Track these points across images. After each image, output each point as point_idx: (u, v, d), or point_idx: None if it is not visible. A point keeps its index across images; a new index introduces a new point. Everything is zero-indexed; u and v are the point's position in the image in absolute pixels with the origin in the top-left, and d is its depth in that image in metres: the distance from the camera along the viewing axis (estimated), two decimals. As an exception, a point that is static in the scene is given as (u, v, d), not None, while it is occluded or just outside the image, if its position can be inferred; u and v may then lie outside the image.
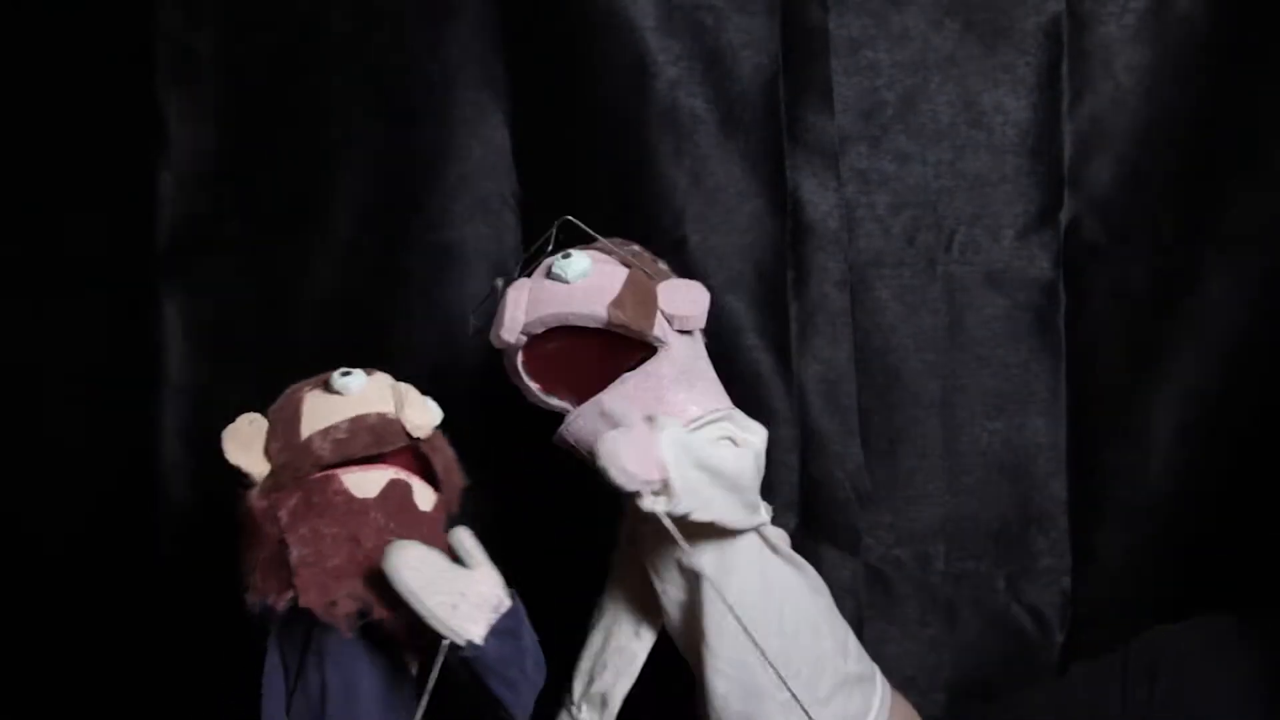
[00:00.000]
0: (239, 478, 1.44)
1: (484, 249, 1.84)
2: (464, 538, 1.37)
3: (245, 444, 1.45)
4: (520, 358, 1.54)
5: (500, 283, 1.56)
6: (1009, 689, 1.85)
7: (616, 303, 1.48)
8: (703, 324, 1.55)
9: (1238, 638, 1.67)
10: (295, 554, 1.37)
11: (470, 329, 1.62)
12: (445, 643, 1.32)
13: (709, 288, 1.77)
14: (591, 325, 1.49)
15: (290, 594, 1.37)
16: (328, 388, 1.47)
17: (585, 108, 1.83)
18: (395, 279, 1.83)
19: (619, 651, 1.62)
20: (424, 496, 1.47)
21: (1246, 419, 1.82)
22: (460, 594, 1.33)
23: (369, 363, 1.78)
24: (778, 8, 1.82)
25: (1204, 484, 1.83)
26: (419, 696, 1.38)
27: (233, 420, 1.71)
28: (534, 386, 1.56)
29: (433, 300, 1.82)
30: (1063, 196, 1.85)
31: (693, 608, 1.52)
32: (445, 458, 1.49)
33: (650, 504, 1.37)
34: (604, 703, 1.61)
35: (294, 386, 1.51)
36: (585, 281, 1.50)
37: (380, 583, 1.34)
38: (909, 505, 1.85)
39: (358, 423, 1.44)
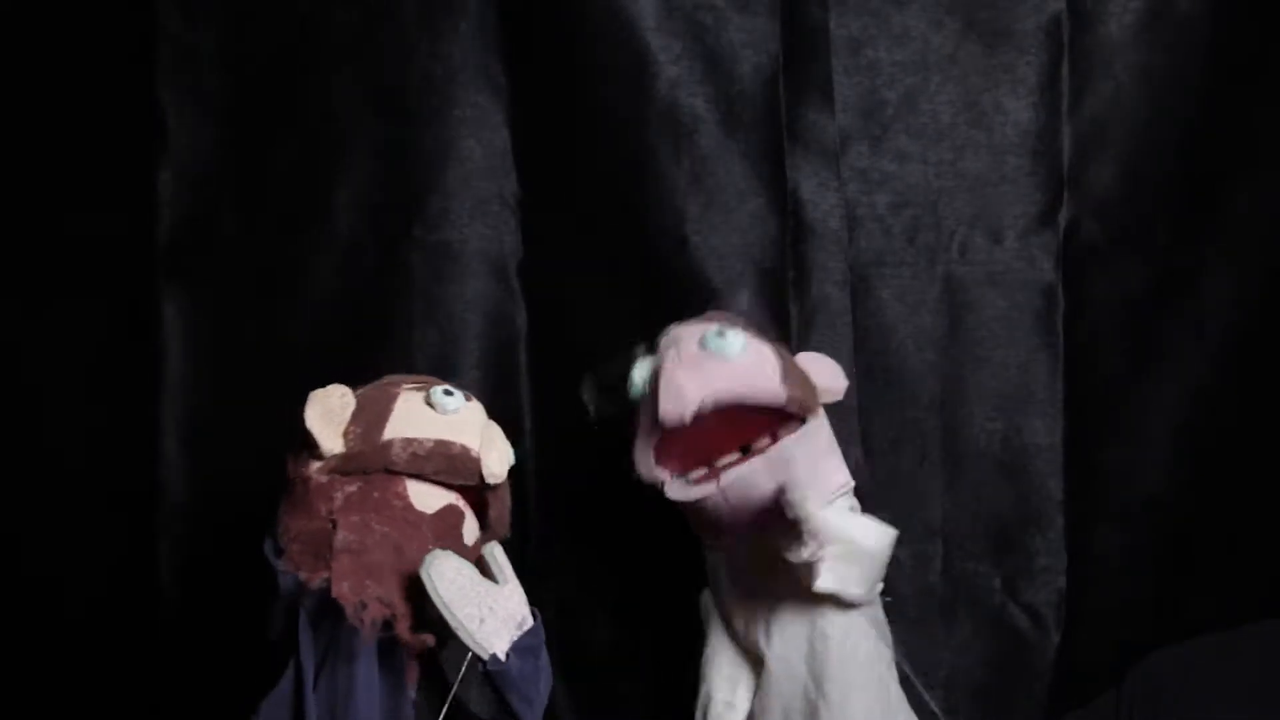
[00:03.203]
0: (304, 443, 1.44)
1: (484, 249, 1.84)
2: (497, 553, 1.41)
3: (328, 415, 1.45)
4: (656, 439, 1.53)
5: (641, 349, 1.56)
6: (1006, 688, 1.85)
7: (787, 381, 1.52)
8: (840, 397, 1.61)
9: (1239, 654, 1.67)
10: (340, 538, 1.39)
11: (592, 387, 1.63)
12: (469, 655, 1.35)
13: (710, 288, 1.79)
14: (767, 404, 1.52)
15: (325, 574, 1.38)
16: (427, 399, 1.48)
17: (585, 108, 1.82)
18: (395, 279, 1.83)
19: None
20: (470, 529, 1.50)
21: (1244, 419, 1.82)
22: (489, 609, 1.36)
23: (368, 363, 1.80)
24: (778, 7, 1.82)
25: (1201, 484, 1.83)
26: (417, 709, 1.41)
27: (236, 421, 1.73)
28: (650, 458, 1.55)
29: (433, 300, 1.82)
30: (1063, 197, 1.85)
31: (814, 680, 1.53)
32: (502, 507, 1.52)
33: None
34: None
35: (391, 379, 1.52)
36: (743, 358, 1.52)
37: (410, 596, 1.36)
38: (908, 505, 1.84)
39: (442, 447, 1.46)
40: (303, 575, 1.40)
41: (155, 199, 1.84)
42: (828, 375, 1.61)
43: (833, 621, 1.53)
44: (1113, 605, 1.85)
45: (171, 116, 1.84)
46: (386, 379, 1.51)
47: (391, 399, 1.47)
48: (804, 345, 1.82)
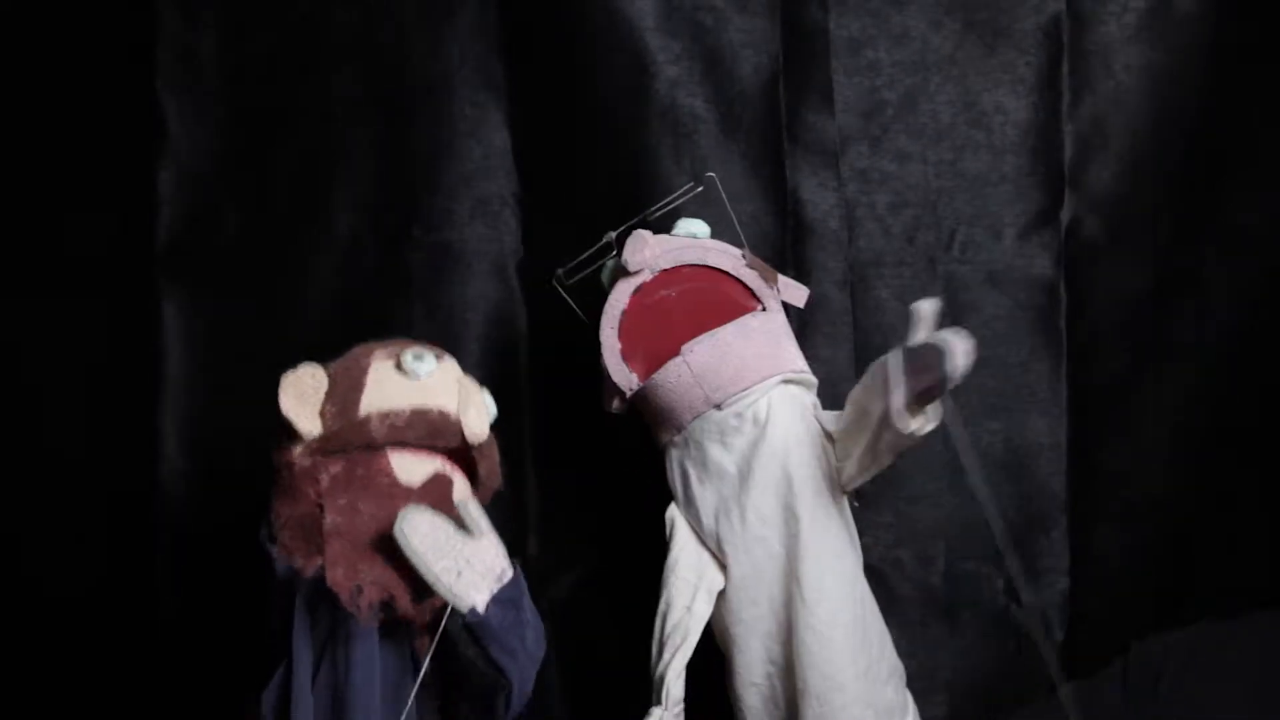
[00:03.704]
0: (284, 428, 1.43)
1: (484, 249, 1.84)
2: (471, 507, 1.40)
3: (303, 397, 1.44)
4: (624, 304, 1.61)
5: (613, 236, 1.65)
6: (1008, 689, 1.84)
7: (746, 259, 1.64)
8: (801, 304, 1.69)
9: (1238, 640, 1.67)
10: (329, 522, 1.39)
11: (565, 279, 1.67)
12: (449, 609, 1.35)
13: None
14: (727, 268, 1.62)
15: (319, 560, 1.38)
16: (398, 366, 1.46)
17: (585, 108, 1.83)
18: (395, 279, 1.83)
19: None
20: (461, 491, 1.48)
21: (1246, 419, 1.83)
22: (466, 561, 1.36)
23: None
24: (778, 8, 1.82)
25: (1203, 484, 1.83)
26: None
27: (235, 420, 1.72)
28: (618, 345, 1.62)
29: (434, 300, 1.82)
30: (1063, 196, 1.85)
31: (789, 562, 1.56)
32: (491, 463, 1.50)
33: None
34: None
35: (362, 348, 1.50)
36: (712, 240, 1.65)
37: (406, 570, 1.35)
38: (909, 505, 1.84)
39: (419, 415, 1.44)
40: (297, 562, 1.39)
41: (155, 199, 1.84)
42: (791, 290, 1.68)
43: (805, 501, 1.57)
44: (1115, 605, 1.84)
45: (172, 116, 1.84)
46: (357, 348, 1.49)
47: (363, 371, 1.46)
48: (804, 345, 1.81)
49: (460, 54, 1.82)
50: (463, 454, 1.48)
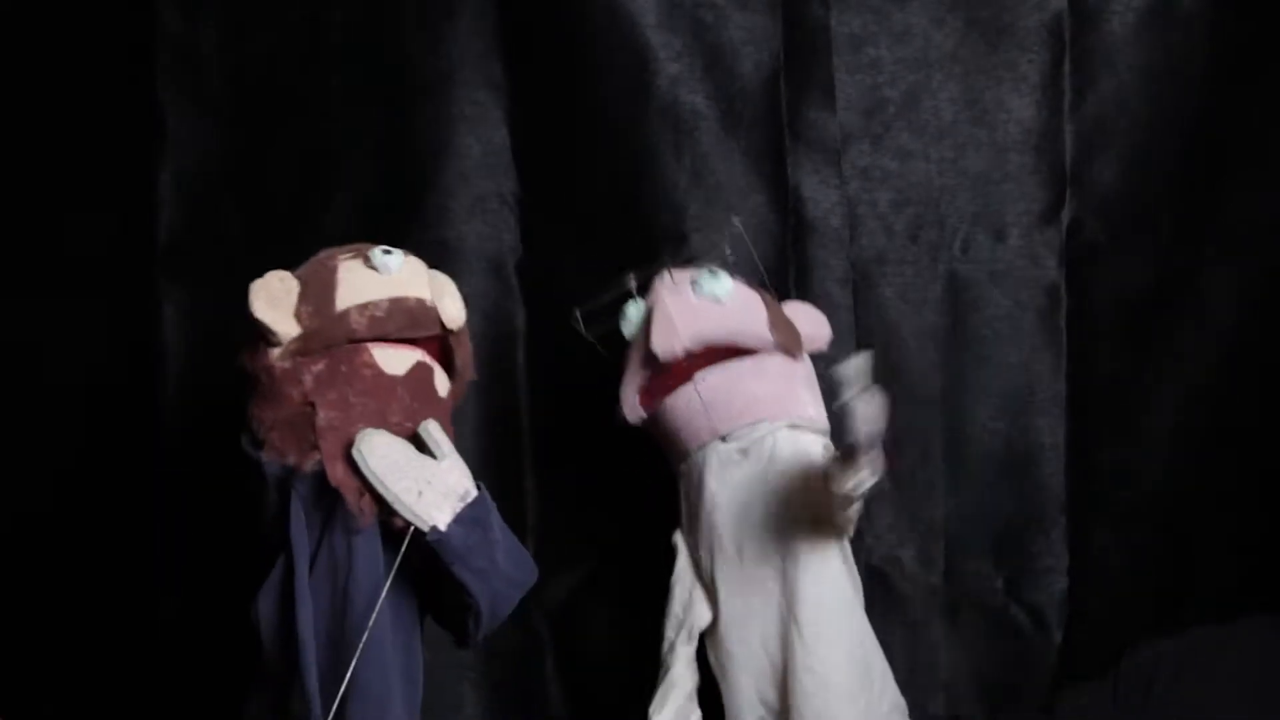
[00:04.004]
0: (258, 334, 1.44)
1: (483, 247, 1.84)
2: (433, 429, 1.40)
3: (274, 301, 1.44)
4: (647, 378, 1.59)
5: (632, 283, 1.61)
6: (1008, 688, 1.84)
7: (773, 326, 1.58)
8: (824, 347, 1.66)
9: (1230, 647, 1.66)
10: (323, 418, 1.39)
11: (581, 324, 1.63)
12: (411, 528, 1.36)
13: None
14: (754, 346, 1.57)
15: (315, 456, 1.39)
16: (366, 263, 1.46)
17: (585, 106, 1.82)
18: (395, 277, 1.82)
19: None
20: (440, 382, 1.49)
21: (1246, 419, 1.82)
22: (426, 481, 1.37)
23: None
24: (779, 5, 1.82)
25: (1203, 484, 1.82)
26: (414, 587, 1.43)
27: (235, 420, 1.72)
28: (635, 398, 1.61)
29: (431, 299, 1.82)
30: (1065, 195, 1.85)
31: (786, 603, 1.54)
32: (466, 351, 1.52)
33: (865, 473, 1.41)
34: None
35: (324, 253, 1.51)
36: (733, 301, 1.59)
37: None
38: (910, 505, 1.84)
39: (397, 304, 1.45)
40: (291, 460, 1.40)
41: (155, 198, 1.84)
42: (812, 323, 1.65)
43: (803, 544, 1.54)
44: (1114, 605, 1.84)
45: (171, 116, 1.84)
46: (320, 254, 1.50)
47: (332, 271, 1.46)
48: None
49: (459, 52, 1.82)
50: (437, 346, 1.49)
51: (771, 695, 1.55)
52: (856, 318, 1.85)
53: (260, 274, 1.82)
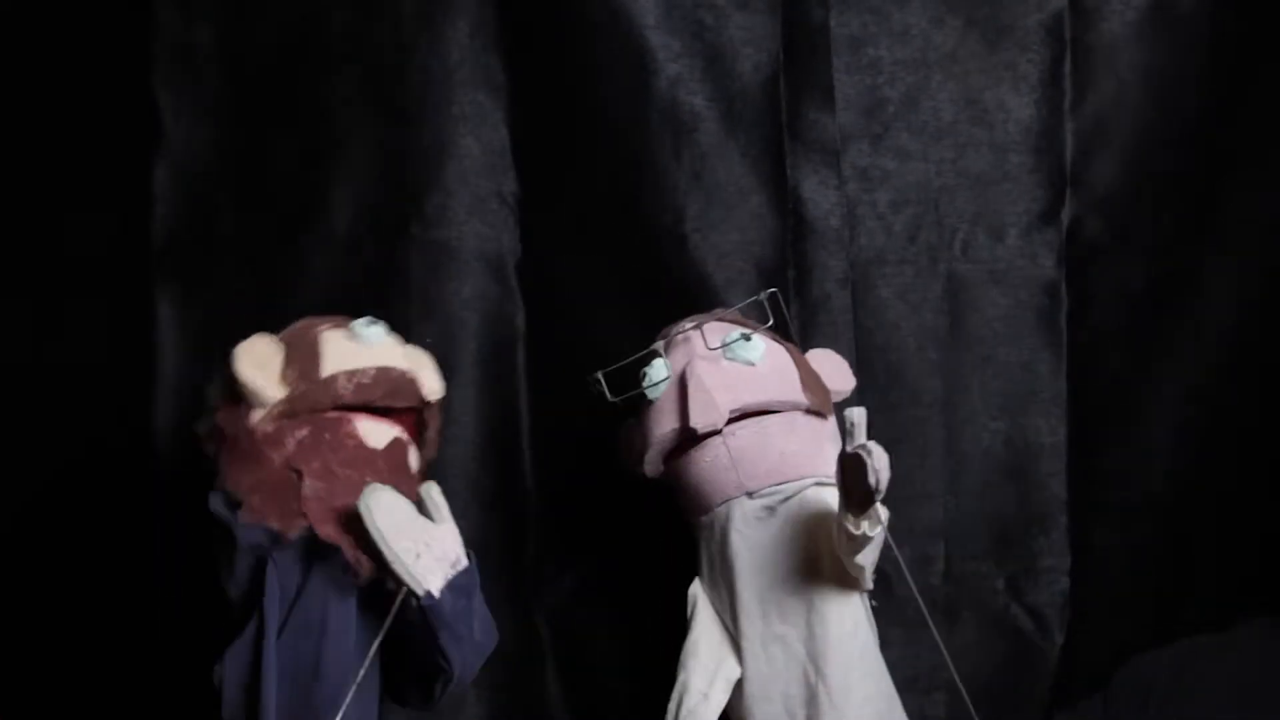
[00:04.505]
0: (241, 396, 1.44)
1: (483, 247, 1.83)
2: (434, 493, 1.41)
3: (260, 363, 1.46)
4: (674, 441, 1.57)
5: (661, 347, 1.59)
6: (1009, 690, 1.84)
7: (805, 388, 1.57)
8: (847, 395, 1.64)
9: (1226, 655, 1.66)
10: (308, 486, 1.40)
11: (600, 387, 1.60)
12: (404, 589, 1.36)
13: (709, 287, 1.79)
14: (788, 409, 1.56)
15: (301, 523, 1.39)
16: (349, 333, 1.48)
17: (585, 106, 1.82)
18: (394, 277, 1.82)
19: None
20: (414, 459, 1.50)
21: (1247, 419, 1.82)
22: (425, 544, 1.37)
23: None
24: (778, 5, 1.82)
25: (1204, 484, 1.82)
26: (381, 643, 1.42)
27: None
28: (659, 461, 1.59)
29: (431, 299, 1.82)
30: (1065, 194, 1.85)
31: (811, 661, 1.53)
32: (436, 426, 1.53)
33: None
34: None
35: (304, 322, 1.52)
36: (765, 364, 1.57)
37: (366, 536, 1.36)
38: (910, 505, 1.83)
39: (384, 373, 1.46)
40: (274, 525, 1.40)
41: (152, 197, 1.83)
42: (838, 377, 1.64)
43: (829, 602, 1.53)
44: (1115, 605, 1.84)
45: (169, 115, 1.83)
46: (301, 322, 1.52)
47: (316, 338, 1.48)
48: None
49: (459, 52, 1.81)
50: (411, 421, 1.50)
51: None
52: (856, 318, 1.84)
53: (258, 274, 1.84)
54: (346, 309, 1.80)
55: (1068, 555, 1.84)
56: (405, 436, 1.49)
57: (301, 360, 1.46)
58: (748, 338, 1.56)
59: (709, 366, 1.55)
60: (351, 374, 1.45)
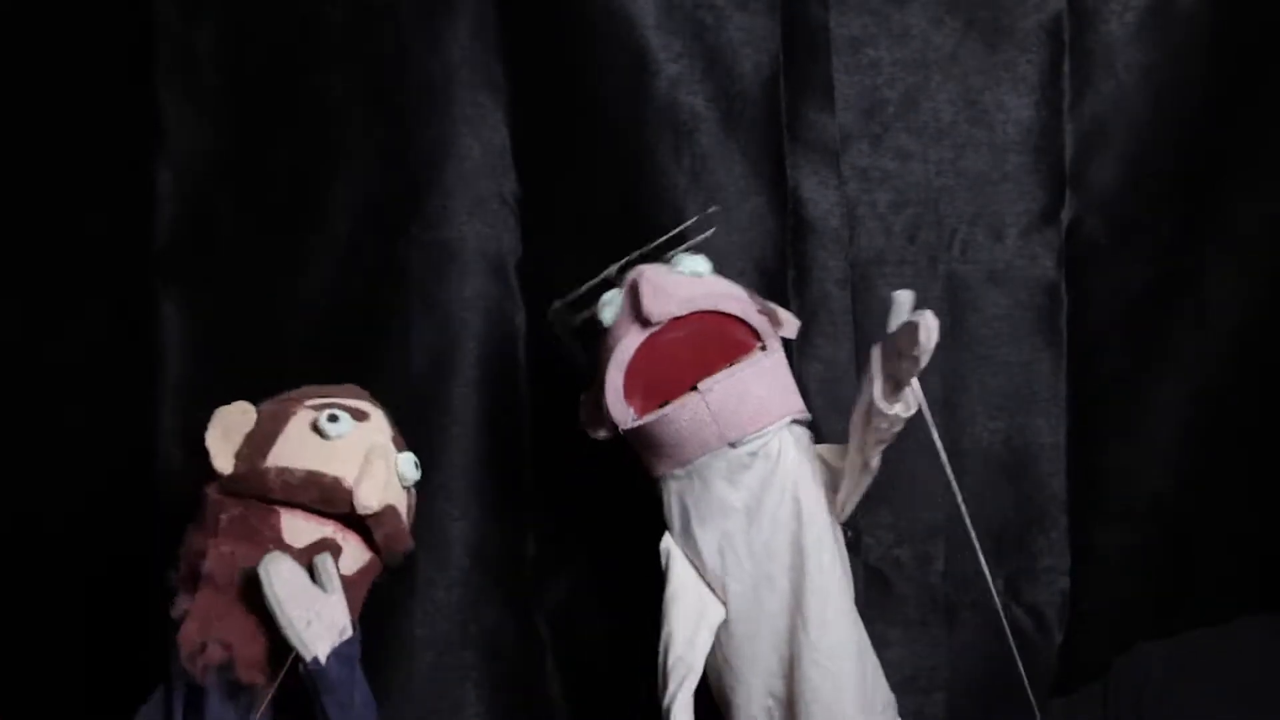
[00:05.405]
0: (206, 459, 1.48)
1: (483, 248, 1.83)
2: (326, 564, 1.45)
3: (228, 433, 1.49)
4: (634, 350, 1.57)
5: (614, 270, 1.62)
6: (1008, 689, 1.84)
7: (753, 296, 1.61)
8: (794, 335, 1.68)
9: (1222, 650, 1.66)
10: (206, 568, 1.45)
11: (563, 313, 1.63)
12: (293, 654, 1.41)
13: (709, 287, 1.79)
14: (740, 314, 1.58)
15: (185, 607, 1.45)
16: (315, 424, 1.50)
17: (585, 106, 1.82)
18: (394, 278, 1.82)
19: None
20: (353, 559, 1.51)
21: (1248, 419, 1.82)
22: (316, 613, 1.43)
23: (367, 362, 1.80)
24: (778, 6, 1.82)
25: (1205, 484, 1.82)
26: None
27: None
28: (622, 386, 1.59)
29: (432, 299, 1.82)
30: (1065, 195, 1.85)
31: (794, 597, 1.55)
32: (391, 529, 1.52)
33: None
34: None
35: (298, 393, 1.54)
36: (713, 276, 1.61)
37: (250, 636, 1.42)
38: (909, 505, 1.84)
39: (313, 478, 1.47)
40: (177, 594, 1.47)
41: (153, 198, 1.84)
42: (784, 313, 1.67)
43: (809, 538, 1.56)
44: (1115, 605, 1.84)
45: (170, 115, 1.83)
46: (291, 395, 1.54)
47: (286, 419, 1.50)
48: (804, 344, 1.82)
49: (459, 52, 1.81)
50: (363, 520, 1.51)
51: (779, 687, 1.56)
52: (855, 318, 1.84)
53: (259, 275, 1.85)
54: (347, 309, 1.83)
55: (1067, 555, 1.84)
56: (339, 536, 1.49)
57: (258, 441, 1.49)
58: (692, 254, 1.61)
59: (659, 272, 1.58)
60: (282, 470, 1.47)
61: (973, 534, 1.55)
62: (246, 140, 1.85)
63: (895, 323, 1.48)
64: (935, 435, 1.52)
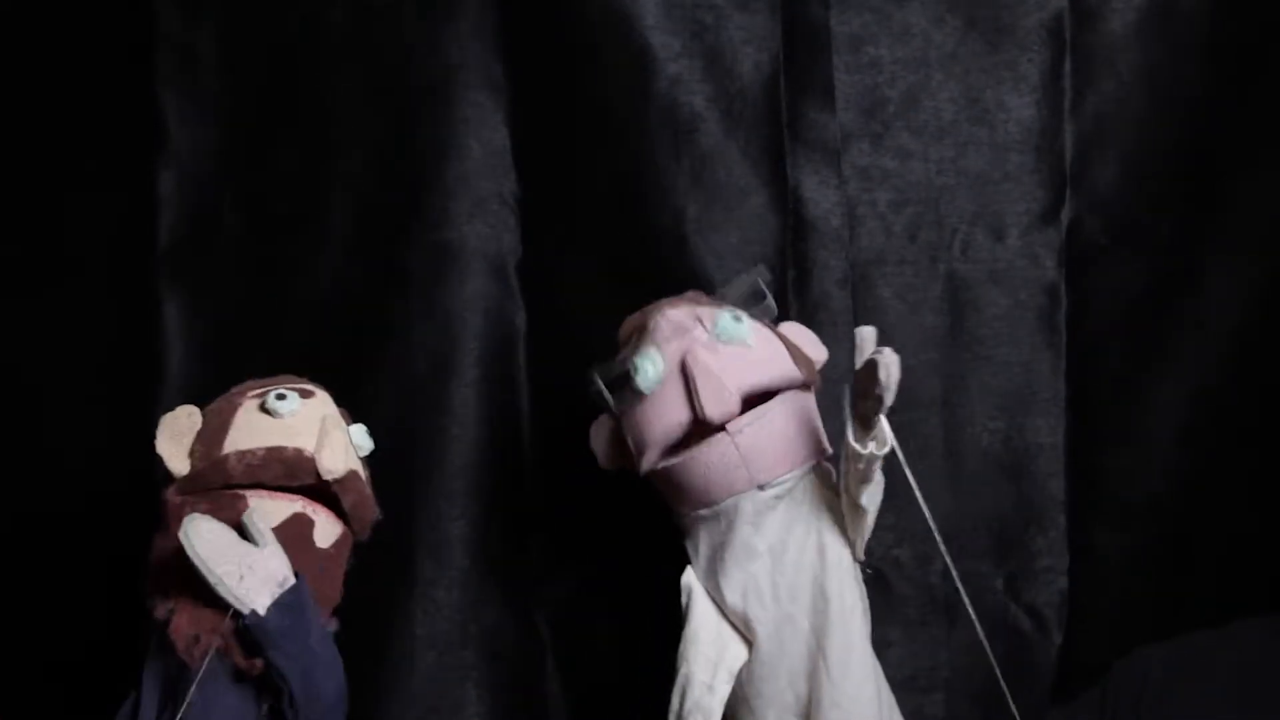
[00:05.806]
0: (162, 466, 1.49)
1: (483, 248, 1.83)
2: (255, 519, 1.44)
3: (176, 436, 1.51)
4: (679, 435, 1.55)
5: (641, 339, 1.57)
6: (1008, 689, 1.84)
7: (796, 361, 1.58)
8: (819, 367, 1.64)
9: (1220, 653, 1.66)
10: (182, 563, 1.43)
11: (598, 386, 1.60)
12: (231, 611, 1.41)
13: (710, 287, 1.78)
14: (786, 386, 1.56)
15: (171, 606, 1.45)
16: (263, 406, 1.51)
17: (585, 107, 1.82)
18: (395, 278, 1.83)
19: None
20: (327, 532, 1.51)
21: (1247, 419, 1.82)
22: (248, 567, 1.42)
23: (367, 362, 1.81)
24: (778, 5, 1.81)
25: (1204, 485, 1.82)
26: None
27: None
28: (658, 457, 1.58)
29: (432, 300, 1.82)
30: (1065, 195, 1.85)
31: (815, 639, 1.54)
32: (356, 496, 1.53)
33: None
34: None
35: (238, 388, 1.55)
36: (758, 342, 1.57)
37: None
38: (909, 505, 1.82)
39: (274, 454, 1.48)
40: (153, 606, 1.46)
41: (155, 199, 1.84)
42: (813, 347, 1.65)
43: (832, 579, 1.54)
44: (1115, 605, 1.84)
45: (171, 116, 1.84)
46: (234, 390, 1.56)
47: (233, 410, 1.51)
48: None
49: (460, 53, 1.82)
50: (330, 492, 1.51)
51: None
52: (855, 318, 1.84)
53: (261, 275, 1.85)
54: (347, 309, 1.84)
55: (1066, 555, 1.84)
56: (309, 511, 1.50)
57: (209, 436, 1.50)
58: (737, 319, 1.56)
59: (709, 352, 1.54)
60: (242, 454, 1.48)
61: (940, 542, 1.56)
62: (248, 142, 1.85)
63: (859, 360, 1.44)
64: (909, 473, 1.50)
